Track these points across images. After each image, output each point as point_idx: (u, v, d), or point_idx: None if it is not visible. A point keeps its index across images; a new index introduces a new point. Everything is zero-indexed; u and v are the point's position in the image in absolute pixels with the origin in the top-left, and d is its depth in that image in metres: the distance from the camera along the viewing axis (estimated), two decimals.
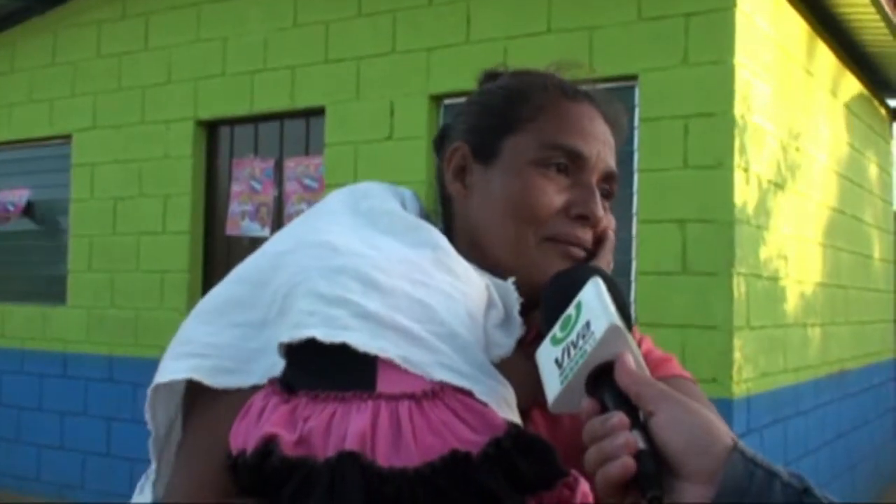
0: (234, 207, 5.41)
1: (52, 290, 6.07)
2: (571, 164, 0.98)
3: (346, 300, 0.80)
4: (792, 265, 4.76)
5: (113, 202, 5.77)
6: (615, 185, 1.03)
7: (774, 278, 4.48)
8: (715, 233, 3.92)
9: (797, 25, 4.94)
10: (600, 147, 1.00)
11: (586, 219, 0.97)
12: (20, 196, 6.33)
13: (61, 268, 6.03)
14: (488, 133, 1.01)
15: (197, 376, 0.86)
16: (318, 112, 5.12)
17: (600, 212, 0.98)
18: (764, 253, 4.31)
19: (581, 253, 0.98)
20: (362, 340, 0.78)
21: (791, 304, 4.78)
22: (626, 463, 0.68)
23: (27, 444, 6.07)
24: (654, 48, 4.11)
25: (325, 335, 0.78)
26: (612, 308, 0.77)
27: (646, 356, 1.09)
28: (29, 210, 6.30)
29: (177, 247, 5.48)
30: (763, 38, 4.33)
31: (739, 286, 3.95)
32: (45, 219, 6.30)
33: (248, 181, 5.40)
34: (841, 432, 5.76)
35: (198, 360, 0.86)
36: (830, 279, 5.59)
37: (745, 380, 4.01)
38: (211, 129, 5.57)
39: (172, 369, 0.87)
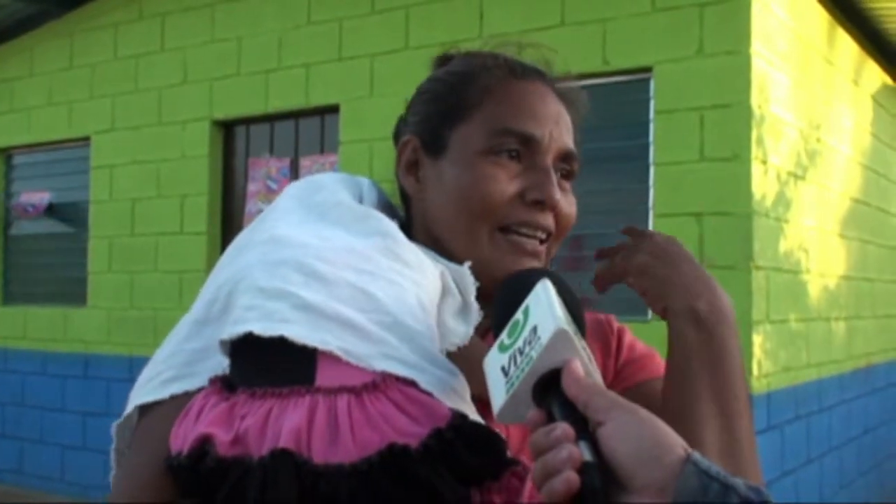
0: (251, 207, 5.41)
1: (73, 292, 6.12)
2: (523, 148, 0.95)
3: (286, 292, 0.77)
4: (814, 258, 4.67)
5: (131, 203, 5.79)
6: (575, 164, 0.99)
7: (795, 271, 4.40)
8: (732, 226, 3.85)
9: (816, 14, 4.85)
10: (552, 127, 0.96)
11: (542, 203, 0.94)
12: (41, 198, 6.38)
13: (81, 269, 6.07)
14: (436, 124, 0.98)
15: (140, 402, 0.86)
16: (333, 110, 5.11)
17: (557, 194, 0.94)
18: (784, 246, 4.23)
19: (538, 244, 0.95)
20: (301, 333, 0.75)
21: (813, 297, 4.70)
22: (570, 477, 0.63)
23: (51, 444, 6.12)
24: (669, 39, 4.05)
25: (263, 329, 0.75)
26: (559, 312, 0.72)
27: (628, 350, 1.06)
28: (49, 212, 6.35)
29: (194, 247, 5.50)
30: (780, 27, 4.25)
31: (758, 280, 3.88)
32: (66, 221, 6.34)
33: (264, 180, 5.40)
34: (868, 428, 5.66)
35: (143, 389, 0.87)
36: (856, 272, 5.49)
37: (764, 375, 3.94)
38: (227, 129, 5.58)
39: (130, 403, 0.89)
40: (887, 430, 6.16)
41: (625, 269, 0.98)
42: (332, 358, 0.74)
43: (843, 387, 5.12)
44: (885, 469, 6.06)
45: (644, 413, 0.67)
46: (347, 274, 0.80)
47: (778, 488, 4.02)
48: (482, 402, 0.82)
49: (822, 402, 4.73)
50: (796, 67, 4.46)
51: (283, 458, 0.68)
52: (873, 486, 5.69)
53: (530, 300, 0.75)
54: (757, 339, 3.85)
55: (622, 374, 1.03)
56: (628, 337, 1.08)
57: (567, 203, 0.97)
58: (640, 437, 0.65)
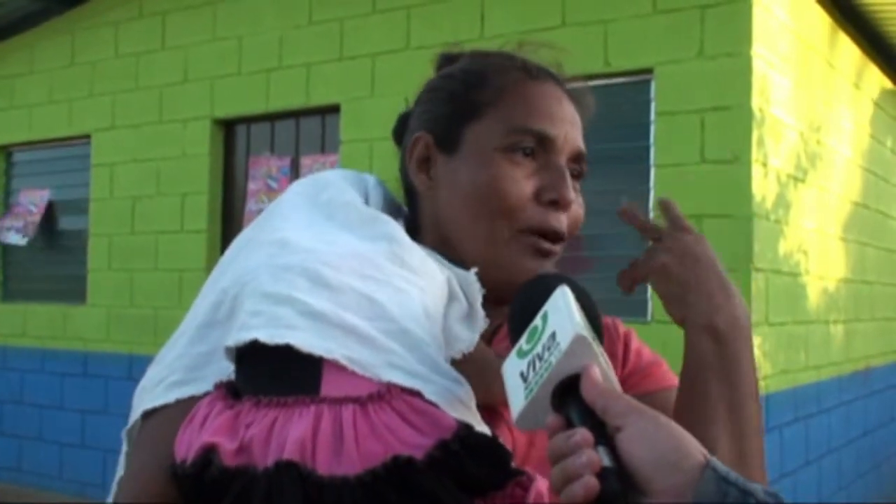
0: (251, 205, 5.41)
1: (73, 290, 6.11)
2: (539, 147, 0.95)
3: (293, 298, 0.77)
4: (813, 260, 4.68)
5: (131, 201, 5.79)
6: (585, 165, 1.00)
7: (795, 274, 4.40)
8: (732, 228, 3.85)
9: (818, 16, 4.85)
10: (568, 128, 0.97)
11: (557, 203, 0.94)
12: (41, 196, 6.37)
13: (81, 267, 6.06)
14: (450, 121, 0.98)
15: (147, 407, 0.86)
16: (334, 109, 5.11)
17: (571, 195, 0.95)
18: (783, 248, 4.23)
19: (552, 245, 0.95)
20: (307, 341, 0.74)
21: (813, 300, 4.70)
22: (589, 483, 0.64)
23: (49, 442, 6.11)
24: (670, 41, 4.04)
25: (269, 336, 0.75)
26: (578, 318, 0.73)
27: (636, 357, 1.06)
28: (49, 210, 6.34)
29: (194, 245, 5.50)
30: (781, 29, 4.25)
31: (758, 282, 3.88)
32: (65, 218, 6.33)
33: (264, 179, 5.40)
34: (867, 430, 5.67)
35: (149, 393, 0.87)
36: (855, 275, 5.49)
37: (763, 377, 3.94)
38: (227, 128, 5.58)
39: (136, 407, 0.89)
40: (886, 433, 6.17)
41: (647, 268, 0.97)
42: (337, 366, 0.74)
43: (841, 389, 5.12)
44: (884, 471, 6.07)
45: (663, 418, 0.68)
46: (353, 280, 0.79)
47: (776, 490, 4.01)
48: (487, 409, 0.82)
49: (820, 404, 4.73)
50: (797, 70, 4.46)
51: (288, 470, 0.68)
52: (872, 488, 5.70)
53: (549, 306, 0.76)
54: (756, 341, 3.85)
55: (628, 383, 1.02)
56: (635, 343, 1.07)
57: (578, 204, 0.98)
58: (659, 442, 0.66)
